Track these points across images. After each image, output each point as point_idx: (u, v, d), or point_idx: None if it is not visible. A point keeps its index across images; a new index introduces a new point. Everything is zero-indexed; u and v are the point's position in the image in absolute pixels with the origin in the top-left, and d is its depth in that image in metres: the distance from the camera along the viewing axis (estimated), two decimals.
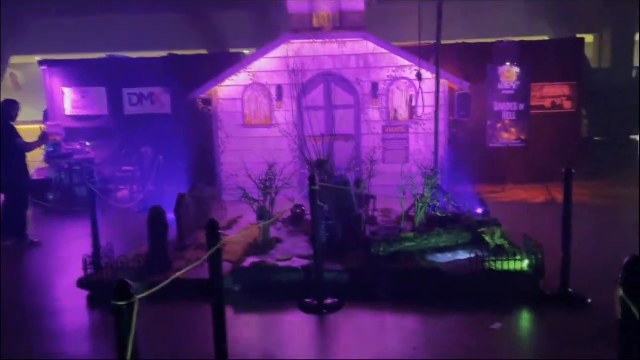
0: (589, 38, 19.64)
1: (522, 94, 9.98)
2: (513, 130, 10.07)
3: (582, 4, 17.51)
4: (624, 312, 2.16)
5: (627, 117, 15.06)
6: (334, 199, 5.82)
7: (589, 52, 18.82)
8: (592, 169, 10.39)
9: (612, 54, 17.92)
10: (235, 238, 5.63)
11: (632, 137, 16.10)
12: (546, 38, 18.91)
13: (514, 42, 10.26)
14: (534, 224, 7.04)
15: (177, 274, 2.34)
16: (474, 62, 10.00)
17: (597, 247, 6.25)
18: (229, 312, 4.64)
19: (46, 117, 11.73)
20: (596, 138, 16.06)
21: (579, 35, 16.90)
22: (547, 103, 10.21)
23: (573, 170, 4.63)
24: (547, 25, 18.52)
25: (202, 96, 9.56)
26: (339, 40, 9.07)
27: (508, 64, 9.92)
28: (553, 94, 10.19)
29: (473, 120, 9.75)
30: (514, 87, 9.96)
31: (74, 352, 4.28)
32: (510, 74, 9.91)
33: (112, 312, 1.95)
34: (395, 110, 9.20)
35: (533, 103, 10.17)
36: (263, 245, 5.86)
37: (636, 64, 17.97)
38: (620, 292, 2.12)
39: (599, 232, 7.07)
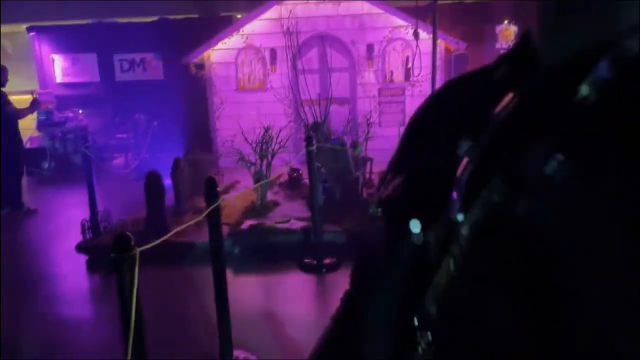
0: None
1: None
2: None
3: None
4: None
5: None
6: (330, 161, 5.79)
7: None
8: None
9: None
10: (233, 199, 5.63)
11: None
12: None
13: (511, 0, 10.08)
14: None
15: (179, 228, 2.32)
16: (471, 22, 9.83)
17: None
18: (229, 274, 4.65)
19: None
20: None
21: None
22: None
23: None
24: None
25: (195, 61, 9.40)
26: (334, 0, 8.87)
27: (506, 22, 9.76)
28: None
29: None
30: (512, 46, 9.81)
31: (75, 315, 4.31)
32: (507, 32, 9.75)
33: (112, 266, 1.94)
34: (392, 72, 9.08)
35: None
36: (260, 208, 5.86)
37: None
38: None
39: None
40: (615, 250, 0.30)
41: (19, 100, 9.61)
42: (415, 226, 0.46)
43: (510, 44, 9.16)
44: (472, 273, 0.39)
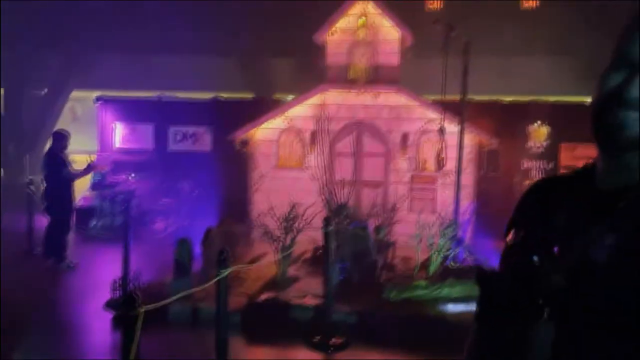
0: None
1: (551, 153, 10.05)
2: None
3: None
4: None
5: None
6: (350, 243, 6.04)
7: None
8: None
9: None
10: (246, 267, 5.90)
11: None
12: (589, 99, 18.83)
13: (545, 102, 10.41)
14: None
15: (182, 294, 2.62)
16: (505, 119, 10.18)
17: None
18: (240, 342, 4.87)
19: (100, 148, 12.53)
20: None
21: None
22: (580, 163, 10.15)
23: None
24: (590, 86, 18.50)
25: (241, 137, 10.08)
26: (373, 91, 9.47)
27: (538, 122, 10.05)
28: (586, 155, 10.18)
29: (501, 176, 9.84)
30: (543, 145, 10.04)
31: None
32: (539, 133, 10.01)
33: (118, 322, 2.25)
34: (424, 161, 9.41)
35: (565, 163, 10.20)
36: (280, 282, 6.10)
37: None
38: None
39: None
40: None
41: (79, 160, 10.51)
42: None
43: (542, 143, 9.34)
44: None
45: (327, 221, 4.97)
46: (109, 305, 5.67)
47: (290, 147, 9.87)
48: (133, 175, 11.51)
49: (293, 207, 6.45)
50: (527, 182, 10.21)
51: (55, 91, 20.32)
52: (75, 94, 22.31)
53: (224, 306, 3.13)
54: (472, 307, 4.00)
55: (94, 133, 13.50)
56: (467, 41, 6.63)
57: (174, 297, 2.54)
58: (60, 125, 17.03)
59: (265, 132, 9.91)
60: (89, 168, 8.29)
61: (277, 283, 6.10)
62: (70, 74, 19.89)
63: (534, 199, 1.06)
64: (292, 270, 6.62)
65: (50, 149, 7.97)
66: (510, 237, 1.02)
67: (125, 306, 2.20)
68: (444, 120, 7.38)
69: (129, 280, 5.93)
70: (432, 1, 17.44)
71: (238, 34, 17.30)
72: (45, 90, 20.22)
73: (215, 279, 3.03)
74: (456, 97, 7.56)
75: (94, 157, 10.94)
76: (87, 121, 21.93)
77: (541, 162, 10.16)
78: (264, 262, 6.34)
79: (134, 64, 19.66)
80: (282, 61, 19.12)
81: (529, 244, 0.97)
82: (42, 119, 19.66)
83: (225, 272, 3.06)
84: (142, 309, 2.23)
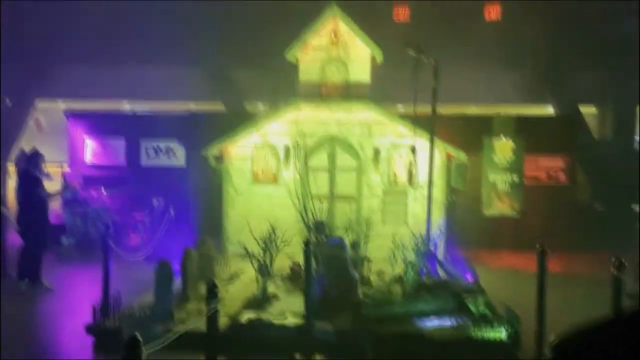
0: (591, 109, 20.29)
1: (516, 165, 10.50)
2: (506, 199, 10.52)
3: (585, 75, 18.25)
4: None
5: (628, 188, 15.45)
6: (329, 261, 6.23)
7: (592, 123, 19.41)
8: (590, 239, 10.67)
9: (615, 126, 18.40)
10: (234, 295, 6.02)
11: (633, 207, 16.42)
12: (549, 108, 19.59)
13: (509, 116, 10.86)
14: (522, 292, 7.32)
15: (179, 332, 2.75)
16: (472, 134, 10.57)
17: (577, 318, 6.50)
18: None
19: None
20: (597, 208, 16.47)
21: (581, 107, 17.41)
22: (542, 175, 10.69)
23: (546, 249, 5.05)
24: (550, 96, 19.20)
25: (215, 153, 10.14)
26: (346, 107, 9.70)
27: (502, 137, 10.49)
28: (548, 166, 10.68)
29: (469, 189, 10.22)
30: (508, 159, 10.49)
31: None
32: (505, 146, 10.45)
33: None
34: (395, 175, 9.69)
35: (528, 174, 10.65)
36: (261, 301, 6.24)
37: (637, 136, 18.42)
38: None
39: (582, 304, 7.31)
40: None
41: (51, 171, 10.30)
42: None
43: (506, 156, 9.72)
44: None
45: (307, 242, 5.14)
46: (90, 329, 5.69)
47: (265, 162, 10.00)
48: (105, 191, 11.41)
49: (274, 229, 6.59)
50: (494, 194, 10.63)
51: (20, 103, 19.86)
52: (39, 104, 21.86)
53: (214, 331, 3.26)
54: (445, 321, 4.29)
55: (61, 144, 13.28)
56: (436, 65, 6.93)
57: (175, 335, 2.67)
58: (26, 137, 16.69)
59: (240, 147, 10.01)
60: (65, 188, 8.24)
61: (257, 302, 6.22)
62: (32, 84, 19.45)
63: None
64: (270, 288, 6.75)
65: (25, 169, 7.89)
66: None
67: (128, 349, 2.32)
68: (415, 135, 7.65)
69: (109, 304, 5.96)
70: (398, 12, 17.89)
71: (209, 44, 17.28)
72: (8, 101, 19.74)
73: (208, 314, 3.17)
74: (425, 109, 7.81)
75: (65, 167, 10.79)
76: (54, 132, 21.52)
77: (507, 175, 10.59)
78: (251, 285, 6.43)
79: (102, 74, 19.39)
80: (253, 72, 19.18)
81: None
82: (6, 131, 19.18)
83: (217, 304, 3.20)
84: (145, 352, 2.36)
